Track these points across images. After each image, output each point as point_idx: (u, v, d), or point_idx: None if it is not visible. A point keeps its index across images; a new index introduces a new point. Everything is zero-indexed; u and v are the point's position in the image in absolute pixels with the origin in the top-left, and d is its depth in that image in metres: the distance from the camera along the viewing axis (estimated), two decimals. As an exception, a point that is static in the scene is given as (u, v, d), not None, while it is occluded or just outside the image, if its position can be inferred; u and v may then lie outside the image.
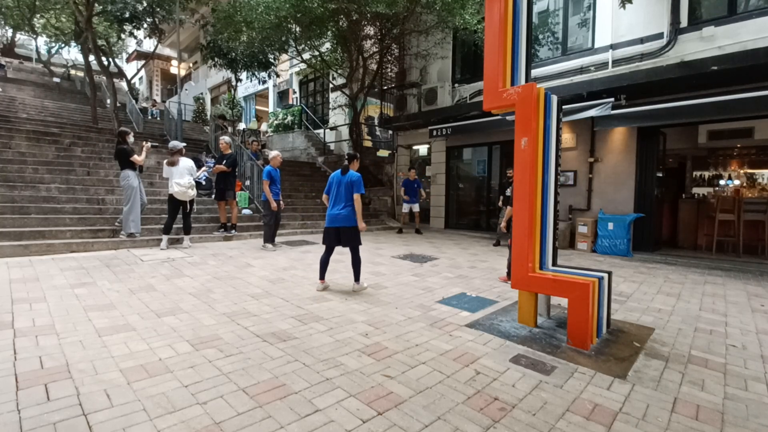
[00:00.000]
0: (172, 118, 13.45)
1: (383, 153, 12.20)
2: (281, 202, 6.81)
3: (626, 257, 7.08)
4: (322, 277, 4.27)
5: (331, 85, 14.20)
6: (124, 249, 5.97)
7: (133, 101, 16.97)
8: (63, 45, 22.42)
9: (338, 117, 14.56)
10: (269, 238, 6.74)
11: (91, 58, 13.73)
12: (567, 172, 8.16)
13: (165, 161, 6.37)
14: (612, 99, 6.96)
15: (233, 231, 7.52)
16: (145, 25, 14.23)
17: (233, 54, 13.29)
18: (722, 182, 9.84)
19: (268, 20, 9.07)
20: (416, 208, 9.77)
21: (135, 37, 15.14)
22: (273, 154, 6.86)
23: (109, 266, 4.88)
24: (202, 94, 23.60)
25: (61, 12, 17.94)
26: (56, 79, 22.49)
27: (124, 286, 4.05)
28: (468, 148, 10.79)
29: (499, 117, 7.49)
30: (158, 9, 13.25)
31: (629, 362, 2.64)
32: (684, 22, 7.00)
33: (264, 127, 18.76)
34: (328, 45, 11.75)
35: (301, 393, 2.10)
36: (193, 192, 6.26)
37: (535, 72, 8.33)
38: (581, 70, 8.05)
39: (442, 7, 8.76)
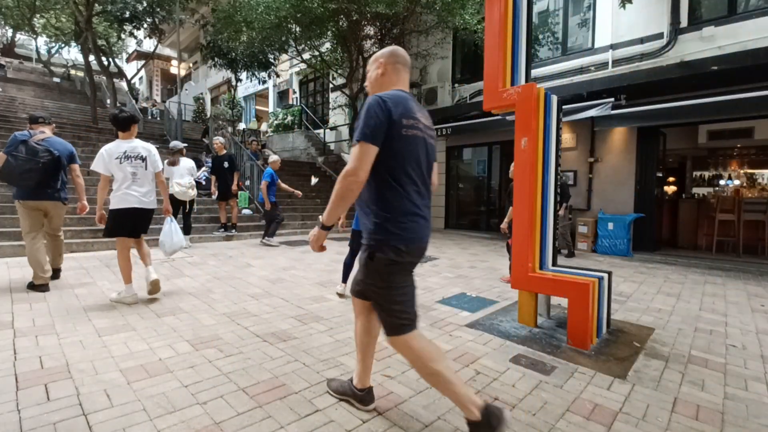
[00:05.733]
0: (172, 118, 13.45)
1: None
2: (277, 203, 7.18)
3: (626, 257, 7.08)
4: (344, 280, 3.99)
5: (331, 85, 14.20)
6: (124, 249, 5.96)
7: (133, 101, 16.97)
8: (63, 45, 22.43)
9: (338, 117, 14.56)
10: (270, 234, 7.06)
11: (91, 58, 13.74)
12: (567, 172, 8.16)
13: (165, 161, 6.36)
14: (612, 99, 6.95)
15: (233, 231, 7.53)
16: (145, 25, 14.25)
17: (233, 54, 13.28)
18: (722, 182, 9.84)
19: (268, 20, 9.07)
20: None
21: (135, 37, 15.15)
22: (273, 158, 6.98)
23: (109, 266, 4.88)
24: (202, 94, 23.60)
25: (61, 12, 17.95)
26: (56, 79, 22.50)
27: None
28: (468, 148, 10.79)
29: (499, 117, 7.50)
30: (158, 9, 13.27)
31: (629, 362, 2.64)
32: (684, 22, 6.99)
33: (264, 127, 18.78)
34: (328, 45, 11.75)
35: (301, 393, 2.10)
36: (193, 192, 6.26)
37: (535, 72, 8.33)
38: (581, 70, 8.05)
39: (442, 7, 8.75)
